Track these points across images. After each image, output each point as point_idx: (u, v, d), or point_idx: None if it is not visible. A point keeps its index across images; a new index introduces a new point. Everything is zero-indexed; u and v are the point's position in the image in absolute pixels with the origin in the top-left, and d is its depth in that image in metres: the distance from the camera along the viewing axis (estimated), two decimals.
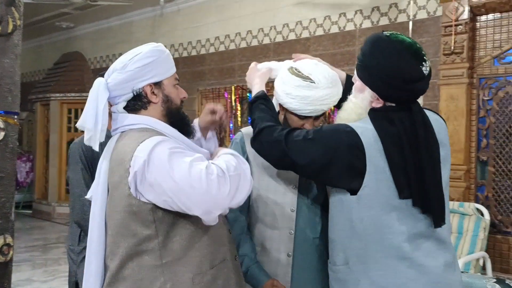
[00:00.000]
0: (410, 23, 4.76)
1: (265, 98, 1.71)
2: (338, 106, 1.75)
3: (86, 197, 1.60)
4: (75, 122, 8.61)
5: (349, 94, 1.64)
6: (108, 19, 8.28)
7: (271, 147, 1.54)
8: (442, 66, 4.33)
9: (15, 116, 2.63)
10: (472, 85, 4.30)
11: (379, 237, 1.43)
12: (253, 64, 1.91)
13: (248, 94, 6.04)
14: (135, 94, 1.52)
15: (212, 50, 6.72)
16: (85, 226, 2.14)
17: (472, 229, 3.84)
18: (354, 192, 1.44)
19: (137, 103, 1.54)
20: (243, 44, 6.30)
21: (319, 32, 5.50)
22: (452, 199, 4.05)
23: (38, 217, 8.58)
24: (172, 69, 1.59)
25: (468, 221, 3.88)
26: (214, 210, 1.34)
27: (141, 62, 1.50)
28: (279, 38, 5.89)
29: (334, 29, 5.36)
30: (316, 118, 1.78)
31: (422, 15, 4.70)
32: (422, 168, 1.41)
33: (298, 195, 1.79)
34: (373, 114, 1.48)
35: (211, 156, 1.58)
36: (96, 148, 1.51)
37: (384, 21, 4.94)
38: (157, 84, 1.54)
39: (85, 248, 2.16)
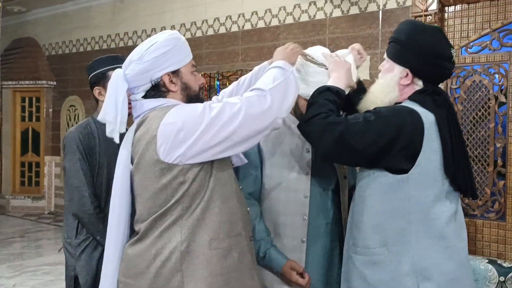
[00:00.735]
0: (380, 13, 4.85)
1: (338, 93, 1.63)
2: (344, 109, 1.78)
3: None
4: (30, 111, 8.30)
5: (361, 98, 1.72)
6: (64, 3, 7.92)
7: (326, 129, 1.50)
8: None
9: None
10: None
11: (423, 216, 1.47)
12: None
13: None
14: (154, 84, 1.52)
15: None
16: (84, 218, 2.07)
17: None
18: (404, 171, 1.47)
19: (156, 93, 1.54)
20: (210, 32, 6.21)
21: (289, 20, 5.50)
22: None
23: None
24: (189, 56, 1.58)
25: None
26: (269, 125, 1.44)
27: (157, 52, 1.50)
28: (247, 26, 5.85)
29: (304, 18, 5.37)
30: None
31: (391, 5, 4.80)
32: (464, 147, 1.49)
33: (311, 181, 1.81)
34: (419, 96, 1.55)
35: None
36: (117, 140, 1.52)
37: (354, 10, 5.01)
38: (175, 73, 1.54)
39: (83, 241, 2.12)
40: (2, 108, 8.15)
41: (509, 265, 2.85)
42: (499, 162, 3.82)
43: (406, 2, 4.69)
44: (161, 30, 6.71)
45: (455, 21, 4.42)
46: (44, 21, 8.40)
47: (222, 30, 6.08)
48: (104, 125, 2.18)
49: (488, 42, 4.03)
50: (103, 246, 2.09)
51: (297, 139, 1.83)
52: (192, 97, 1.58)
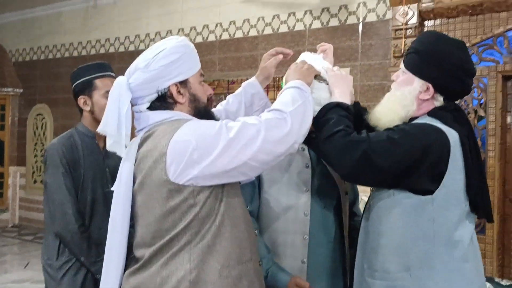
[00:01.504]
0: (360, 25, 4.86)
1: (348, 109, 1.54)
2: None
3: (112, 188, 1.47)
4: None
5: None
6: (33, 8, 7.65)
7: (348, 148, 1.39)
8: (392, 68, 4.45)
9: None
10: None
11: (448, 239, 1.40)
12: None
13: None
14: (160, 95, 1.40)
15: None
16: (67, 237, 1.92)
17: None
18: (429, 192, 1.39)
19: (162, 104, 1.42)
20: None
21: (268, 31, 5.45)
22: None
23: None
24: (197, 65, 1.47)
25: None
26: (287, 150, 1.34)
27: (166, 60, 1.38)
28: (225, 36, 5.77)
29: (283, 29, 5.34)
30: None
31: (371, 18, 4.81)
32: (482, 168, 1.43)
33: (311, 198, 1.72)
34: (440, 113, 1.47)
35: None
36: (122, 154, 1.40)
37: (334, 22, 5.00)
38: (183, 83, 1.43)
39: (66, 262, 1.97)
40: None
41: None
42: None
43: (386, 15, 4.71)
44: (135, 38, 6.56)
45: None
46: (11, 26, 8.09)
47: (199, 39, 5.98)
48: (88, 136, 2.08)
49: None
50: (87, 268, 1.96)
51: (296, 155, 1.74)
52: (200, 110, 1.46)
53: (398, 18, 4.43)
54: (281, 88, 1.52)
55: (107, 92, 2.06)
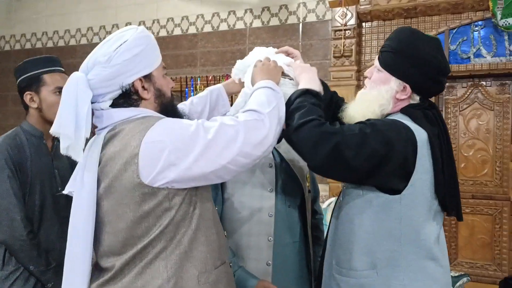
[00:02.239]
0: (300, 25, 4.90)
1: (318, 96, 1.48)
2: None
3: (64, 192, 1.33)
4: None
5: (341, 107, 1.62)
6: None
7: (321, 140, 1.32)
8: (332, 68, 4.54)
9: None
10: (360, 87, 4.58)
11: (414, 238, 1.40)
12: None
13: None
14: (124, 91, 1.29)
15: (84, 41, 6.12)
16: (15, 245, 1.77)
17: None
18: (397, 191, 1.38)
19: (126, 101, 1.30)
20: None
21: (207, 28, 5.36)
22: None
23: None
24: (159, 57, 1.38)
25: None
26: (263, 153, 1.28)
27: (129, 53, 1.27)
28: (163, 33, 5.60)
29: (223, 27, 5.27)
30: None
31: (311, 18, 4.87)
32: (453, 166, 1.43)
33: (276, 198, 1.68)
34: (411, 111, 1.45)
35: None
36: (79, 158, 1.26)
37: (274, 21, 5.01)
38: (147, 77, 1.32)
39: (13, 272, 1.81)
40: None
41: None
42: None
43: (326, 16, 4.78)
44: (65, 33, 6.22)
45: (372, 36, 4.60)
46: None
47: None
48: (35, 136, 1.91)
49: None
50: (37, 277, 1.81)
51: None
52: (166, 105, 1.36)
53: (337, 19, 4.53)
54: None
55: (57, 88, 1.91)
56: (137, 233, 1.21)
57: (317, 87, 1.51)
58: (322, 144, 1.32)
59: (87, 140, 1.29)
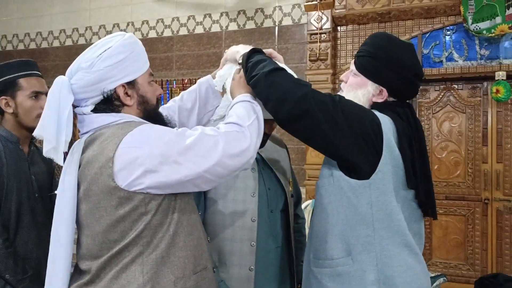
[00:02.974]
0: (276, 29, 4.92)
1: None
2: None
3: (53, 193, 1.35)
4: None
5: None
6: None
7: (290, 89, 1.33)
8: (308, 71, 4.57)
9: None
10: (335, 90, 4.62)
11: (387, 223, 1.41)
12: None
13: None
14: (106, 97, 1.29)
15: (56, 44, 6.02)
16: None
17: None
18: (366, 175, 1.39)
19: (108, 107, 1.31)
20: (95, 39, 5.77)
21: (183, 31, 5.34)
22: None
23: None
24: (146, 64, 1.37)
25: None
26: (243, 165, 1.27)
27: (111, 60, 1.28)
28: (137, 36, 5.53)
29: (199, 30, 5.25)
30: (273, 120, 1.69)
31: (287, 21, 4.89)
32: (425, 163, 1.45)
33: (258, 203, 1.68)
34: (380, 107, 1.48)
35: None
36: (60, 162, 1.26)
37: (250, 25, 5.02)
38: (131, 84, 1.33)
39: None
40: None
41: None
42: None
43: (301, 20, 4.82)
44: (36, 36, 6.09)
45: (347, 40, 4.65)
46: None
47: None
48: (11, 141, 1.86)
49: None
50: (12, 286, 1.75)
51: None
52: (150, 112, 1.37)
53: (313, 23, 4.56)
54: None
55: (34, 92, 1.87)
56: (113, 237, 1.22)
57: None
58: (290, 94, 1.34)
59: (71, 144, 1.30)
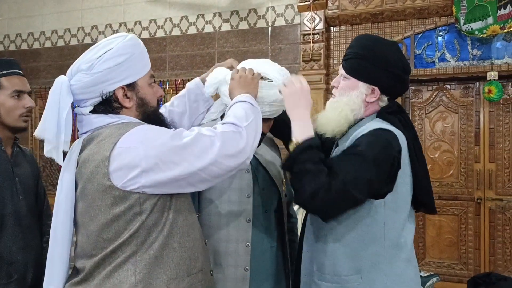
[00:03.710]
0: (269, 29, 4.92)
1: (318, 147, 1.44)
2: None
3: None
4: None
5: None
6: None
7: (336, 203, 1.36)
8: (301, 72, 4.57)
9: None
10: (328, 91, 4.63)
11: (396, 241, 1.43)
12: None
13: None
14: (104, 98, 1.29)
15: (48, 44, 5.98)
16: None
17: None
18: (383, 195, 1.39)
19: (106, 108, 1.30)
20: (88, 40, 5.74)
21: (176, 32, 5.32)
22: None
23: None
24: (147, 66, 1.37)
25: None
26: (239, 165, 1.27)
27: (111, 62, 1.27)
28: None
29: (192, 30, 5.24)
30: (270, 119, 1.69)
31: (280, 22, 4.89)
32: (426, 170, 1.47)
33: (253, 203, 1.68)
34: (388, 117, 1.49)
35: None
36: (60, 162, 1.27)
37: (243, 25, 5.01)
38: (131, 86, 1.32)
39: None
40: None
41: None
42: None
43: (294, 20, 4.82)
44: (28, 36, 6.05)
45: (340, 40, 4.66)
46: None
47: (101, 38, 5.65)
48: None
49: None
50: None
51: None
52: (149, 114, 1.36)
53: (306, 23, 4.57)
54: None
55: (16, 91, 1.83)
56: (107, 236, 1.22)
57: (309, 122, 1.49)
58: (338, 205, 1.37)
59: (71, 144, 1.31)
